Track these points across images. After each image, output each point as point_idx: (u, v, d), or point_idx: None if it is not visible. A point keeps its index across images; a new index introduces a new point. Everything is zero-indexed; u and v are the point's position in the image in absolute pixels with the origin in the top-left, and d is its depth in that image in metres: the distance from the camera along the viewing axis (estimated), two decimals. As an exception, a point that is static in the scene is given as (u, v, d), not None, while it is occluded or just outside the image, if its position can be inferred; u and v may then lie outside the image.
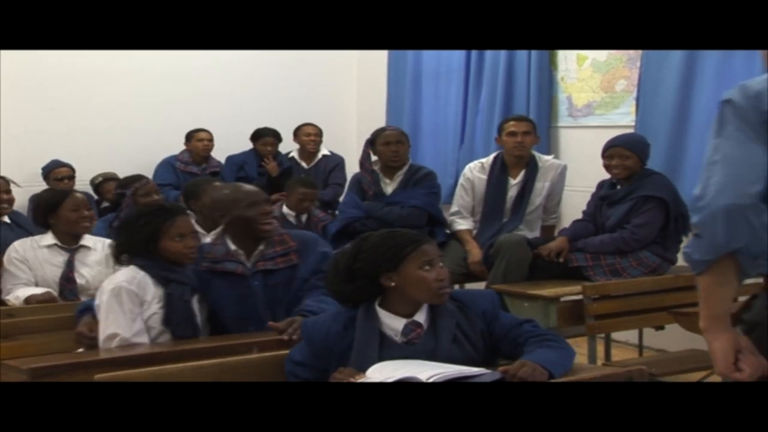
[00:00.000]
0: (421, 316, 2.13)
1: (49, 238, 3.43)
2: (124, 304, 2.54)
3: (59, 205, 3.40)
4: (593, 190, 4.35)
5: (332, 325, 2.14)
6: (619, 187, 3.95)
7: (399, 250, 2.11)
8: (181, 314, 2.61)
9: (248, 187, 2.94)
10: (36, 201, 3.66)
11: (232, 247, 2.79)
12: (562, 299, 3.56)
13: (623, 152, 3.86)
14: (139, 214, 2.75)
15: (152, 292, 2.60)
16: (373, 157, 4.45)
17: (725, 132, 1.74)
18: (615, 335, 4.06)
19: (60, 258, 3.40)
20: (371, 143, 4.45)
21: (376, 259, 2.12)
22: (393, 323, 2.12)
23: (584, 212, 4.11)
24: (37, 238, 3.47)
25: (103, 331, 2.54)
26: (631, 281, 3.59)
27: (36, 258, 3.40)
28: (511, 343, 2.15)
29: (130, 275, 2.60)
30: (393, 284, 2.11)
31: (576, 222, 4.09)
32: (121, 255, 2.68)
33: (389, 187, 4.41)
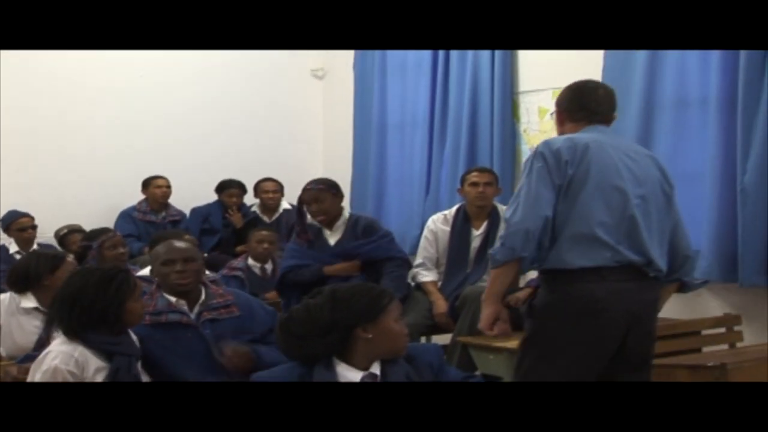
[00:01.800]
0: (376, 369, 2.15)
1: (31, 301, 3.28)
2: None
3: (57, 268, 3.26)
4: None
5: (287, 377, 2.13)
6: None
7: (378, 302, 2.15)
8: None
9: (174, 244, 2.97)
10: (30, 261, 3.38)
11: (173, 299, 2.85)
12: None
13: None
14: (102, 280, 2.53)
15: (93, 367, 2.47)
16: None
17: (531, 174, 2.54)
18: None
19: (36, 322, 3.23)
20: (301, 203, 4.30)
21: (357, 311, 2.13)
22: (351, 376, 2.12)
23: None
24: (16, 297, 3.30)
25: None
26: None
27: (10, 324, 3.25)
28: None
29: (67, 354, 2.45)
30: (369, 336, 2.11)
31: None
32: (74, 328, 2.49)
33: (332, 238, 4.27)
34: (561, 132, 2.70)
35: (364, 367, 2.14)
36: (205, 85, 6.21)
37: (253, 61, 6.27)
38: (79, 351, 2.46)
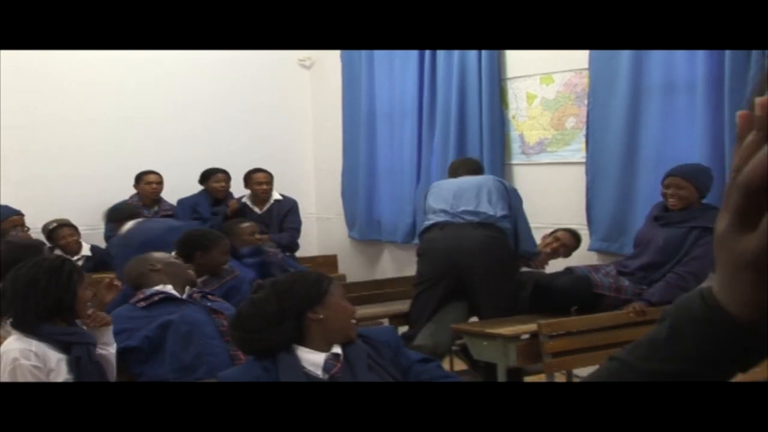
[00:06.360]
0: (337, 350, 2.20)
1: None
2: (28, 380, 2.35)
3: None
4: (548, 225, 4.41)
5: (250, 370, 2.17)
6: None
7: (321, 284, 2.25)
8: (95, 375, 2.48)
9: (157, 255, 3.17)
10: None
11: (159, 286, 2.97)
12: (522, 337, 3.57)
13: (680, 182, 3.76)
14: (53, 269, 2.47)
15: (55, 359, 2.41)
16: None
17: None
18: (579, 371, 4.06)
19: None
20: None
21: (303, 296, 2.21)
22: (314, 358, 2.17)
23: (636, 236, 4.03)
24: None
25: None
26: (588, 317, 3.61)
27: None
28: (415, 378, 2.23)
29: (22, 348, 2.37)
30: (321, 317, 2.19)
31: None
32: (28, 321, 2.42)
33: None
34: None
35: (325, 350, 2.19)
36: (194, 79, 6.18)
37: (240, 53, 6.23)
38: (35, 344, 2.39)
